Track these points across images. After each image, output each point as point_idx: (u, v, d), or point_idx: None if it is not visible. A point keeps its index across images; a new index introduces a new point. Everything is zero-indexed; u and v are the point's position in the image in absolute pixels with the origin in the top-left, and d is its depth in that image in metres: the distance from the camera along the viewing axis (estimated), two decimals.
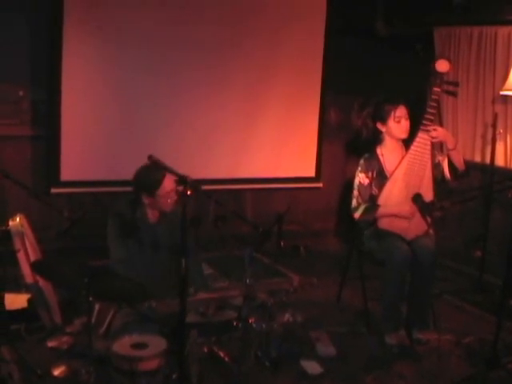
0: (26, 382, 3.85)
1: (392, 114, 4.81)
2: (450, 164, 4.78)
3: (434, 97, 4.73)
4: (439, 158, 4.86)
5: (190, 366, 3.80)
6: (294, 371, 4.24)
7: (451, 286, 5.96)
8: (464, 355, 4.58)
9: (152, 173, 4.34)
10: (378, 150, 4.95)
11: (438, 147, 5.22)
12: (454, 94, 4.90)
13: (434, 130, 4.73)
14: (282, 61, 6.69)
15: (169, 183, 4.33)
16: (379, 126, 4.90)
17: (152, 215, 4.54)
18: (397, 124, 4.82)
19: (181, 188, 3.57)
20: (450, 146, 4.74)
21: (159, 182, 4.35)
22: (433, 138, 4.73)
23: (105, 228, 4.54)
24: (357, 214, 4.90)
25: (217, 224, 5.45)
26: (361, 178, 4.91)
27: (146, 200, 4.45)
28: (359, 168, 4.94)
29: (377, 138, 4.97)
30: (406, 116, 4.84)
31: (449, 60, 4.77)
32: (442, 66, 4.71)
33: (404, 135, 4.86)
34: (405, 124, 4.83)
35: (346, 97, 7.21)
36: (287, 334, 4.55)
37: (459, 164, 4.76)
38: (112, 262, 4.45)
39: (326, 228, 7.44)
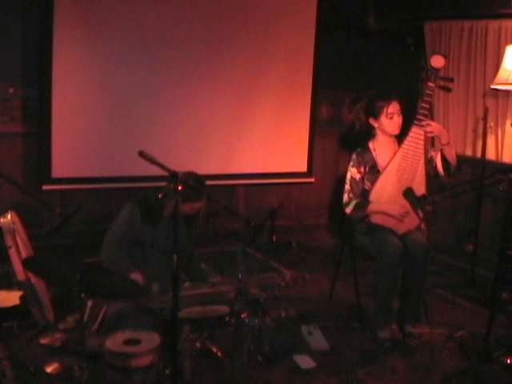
0: (19, 379, 3.84)
1: (384, 110, 4.81)
2: (443, 159, 4.79)
3: (428, 92, 4.73)
4: (432, 153, 4.87)
5: (182, 362, 3.81)
6: (286, 366, 4.24)
7: (443, 280, 5.98)
8: (456, 349, 4.59)
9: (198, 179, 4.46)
10: (371, 145, 4.95)
11: (430, 142, 5.23)
12: (448, 90, 4.90)
13: (429, 124, 4.74)
14: (273, 56, 6.69)
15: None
16: (371, 121, 4.89)
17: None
18: (389, 120, 4.82)
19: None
20: (444, 141, 4.74)
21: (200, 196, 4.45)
22: (428, 132, 4.74)
23: (98, 224, 4.55)
24: (348, 209, 4.90)
25: (209, 220, 5.44)
26: (353, 172, 4.91)
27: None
28: (351, 163, 4.94)
29: (369, 132, 4.98)
30: (399, 112, 4.84)
31: (444, 55, 4.77)
32: (437, 61, 4.71)
33: (396, 131, 4.86)
34: (397, 120, 4.83)
35: (338, 92, 7.25)
36: (280, 328, 4.56)
37: (452, 159, 4.77)
38: (105, 245, 4.49)
39: (318, 223, 7.45)
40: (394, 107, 4.81)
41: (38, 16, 5.78)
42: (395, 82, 6.57)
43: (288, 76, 6.81)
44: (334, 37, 6.83)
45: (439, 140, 4.80)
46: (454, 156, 4.78)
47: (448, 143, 4.75)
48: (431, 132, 4.75)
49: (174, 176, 3.58)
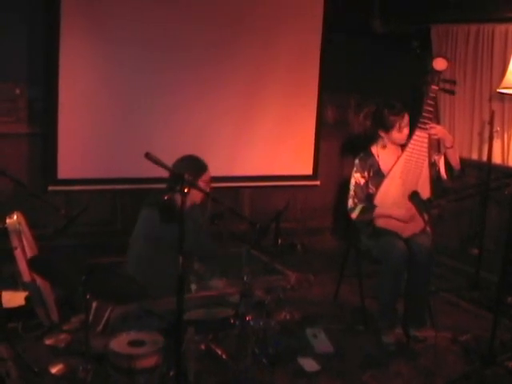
0: (24, 380, 3.85)
1: (397, 124, 4.81)
2: (447, 163, 4.79)
3: (431, 95, 4.74)
4: (435, 157, 4.87)
5: (187, 364, 3.81)
6: (291, 368, 4.25)
7: (448, 284, 5.98)
8: (460, 352, 4.59)
9: (198, 159, 4.59)
10: (374, 150, 4.96)
11: (435, 146, 5.22)
12: (451, 93, 4.91)
13: (433, 127, 4.74)
14: (279, 58, 6.69)
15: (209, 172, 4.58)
16: (381, 132, 4.90)
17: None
18: (399, 133, 4.84)
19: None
20: (448, 144, 4.74)
21: (205, 168, 4.54)
22: (432, 135, 4.74)
23: (103, 225, 4.55)
24: (354, 215, 4.91)
25: (214, 221, 5.44)
26: (356, 178, 4.92)
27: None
28: (355, 168, 4.95)
29: (372, 137, 4.99)
30: (408, 123, 4.85)
31: (447, 58, 4.78)
32: (439, 64, 4.72)
33: (404, 141, 4.87)
34: (406, 132, 4.85)
35: (343, 94, 7.25)
36: (284, 331, 4.56)
37: (455, 163, 4.77)
38: (134, 259, 4.46)
39: (323, 226, 7.45)
40: (405, 120, 4.83)
41: (45, 17, 5.79)
42: (401, 85, 6.56)
43: (293, 78, 6.81)
44: (340, 39, 6.81)
45: (443, 143, 4.81)
46: (458, 160, 4.78)
47: (452, 146, 4.75)
48: (435, 134, 4.75)
49: (179, 178, 3.59)
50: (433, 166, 4.84)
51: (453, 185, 4.97)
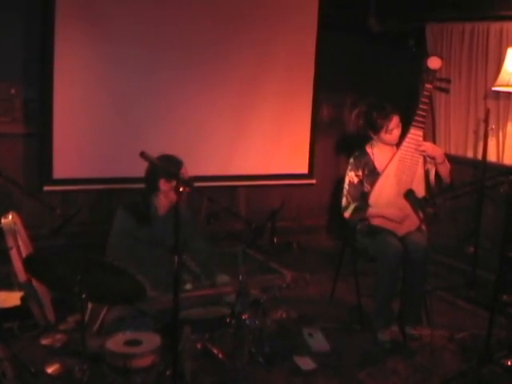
0: (20, 380, 3.83)
1: (384, 127, 4.83)
2: (437, 175, 4.81)
3: (425, 93, 4.76)
4: (428, 166, 4.87)
5: (183, 363, 3.80)
6: (287, 367, 4.24)
7: (444, 282, 5.98)
8: (457, 350, 4.59)
9: (173, 157, 4.52)
10: (369, 149, 4.98)
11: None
12: (446, 91, 4.93)
13: (421, 144, 4.76)
14: (275, 58, 6.69)
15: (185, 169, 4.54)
16: (371, 133, 4.92)
17: (162, 207, 4.58)
18: (389, 135, 4.84)
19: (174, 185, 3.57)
20: (439, 160, 4.78)
21: (181, 164, 4.50)
22: (421, 151, 4.76)
23: (98, 225, 4.54)
24: (347, 213, 4.93)
25: (209, 221, 5.45)
26: (350, 176, 4.94)
27: (163, 186, 4.48)
28: (349, 167, 4.98)
29: (367, 136, 4.99)
30: (398, 124, 4.86)
31: (440, 57, 4.81)
32: (433, 62, 4.74)
33: (395, 143, 4.89)
34: (396, 133, 4.87)
35: (339, 93, 7.25)
36: (280, 330, 4.56)
37: (446, 176, 4.81)
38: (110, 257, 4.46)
39: (318, 224, 7.46)
40: (393, 123, 4.84)
41: (40, 17, 5.78)
42: (397, 83, 6.57)
43: (289, 77, 6.81)
44: (336, 38, 6.81)
45: (434, 160, 4.80)
46: (448, 174, 4.81)
47: (443, 162, 4.77)
48: (424, 151, 4.76)
49: (174, 177, 3.58)
50: (426, 173, 4.86)
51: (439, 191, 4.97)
